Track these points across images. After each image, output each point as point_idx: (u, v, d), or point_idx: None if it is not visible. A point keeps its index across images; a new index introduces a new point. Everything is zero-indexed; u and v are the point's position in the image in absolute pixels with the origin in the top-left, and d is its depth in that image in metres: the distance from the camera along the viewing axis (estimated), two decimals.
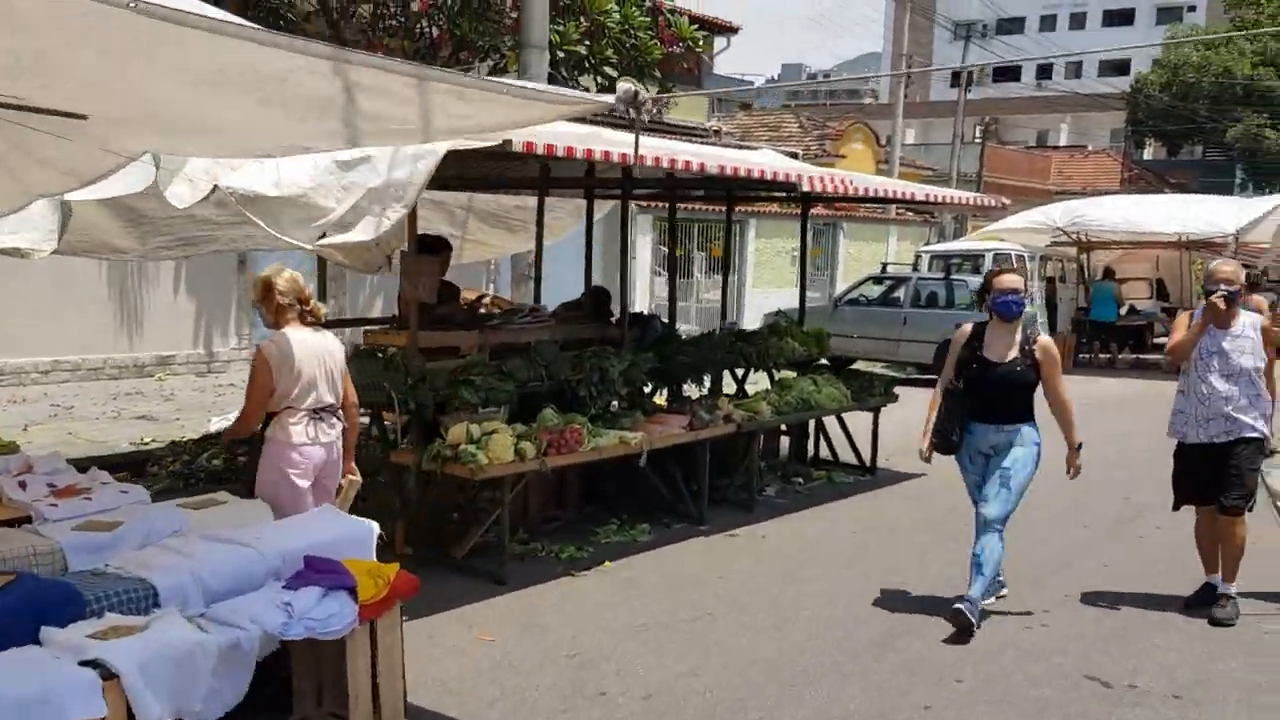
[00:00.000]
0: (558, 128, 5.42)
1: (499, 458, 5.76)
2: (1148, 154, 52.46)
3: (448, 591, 5.87)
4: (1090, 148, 50.95)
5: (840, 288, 20.03)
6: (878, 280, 16.94)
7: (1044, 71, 61.82)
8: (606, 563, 6.43)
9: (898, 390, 9.32)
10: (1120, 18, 61.61)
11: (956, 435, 5.51)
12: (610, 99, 3.18)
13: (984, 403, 5.46)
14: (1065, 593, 6.13)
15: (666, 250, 19.75)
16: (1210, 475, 5.69)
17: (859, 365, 15.52)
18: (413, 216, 5.99)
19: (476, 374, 6.17)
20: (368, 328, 7.22)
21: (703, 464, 7.27)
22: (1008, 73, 62.28)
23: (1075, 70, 62.66)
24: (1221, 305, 5.54)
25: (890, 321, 15.60)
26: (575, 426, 6.24)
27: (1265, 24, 41.22)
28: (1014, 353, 5.44)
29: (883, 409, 9.18)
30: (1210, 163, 47.64)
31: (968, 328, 5.62)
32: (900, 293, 15.95)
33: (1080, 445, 5.60)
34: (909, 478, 8.98)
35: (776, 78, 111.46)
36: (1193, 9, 57.72)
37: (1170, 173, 47.05)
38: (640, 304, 17.73)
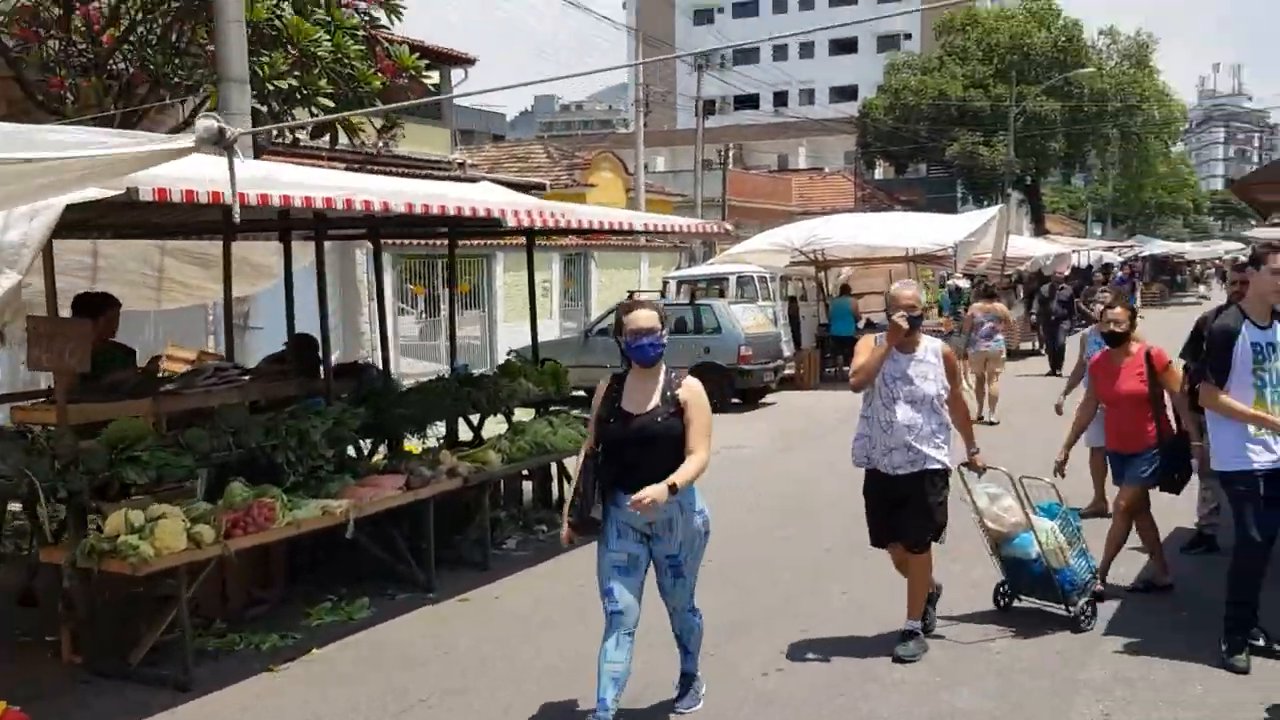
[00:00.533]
0: (203, 169, 4.75)
1: (168, 547, 5.00)
2: (879, 174, 55.65)
3: (123, 706, 5.07)
4: (827, 170, 53.52)
5: (595, 317, 19.78)
6: None
7: (781, 99, 64.54)
8: (314, 649, 5.74)
9: None
10: (844, 46, 65.27)
11: (597, 510, 4.47)
12: (189, 141, 2.63)
13: (627, 466, 4.45)
14: (803, 629, 5.92)
15: (412, 289, 18.99)
16: (897, 508, 5.43)
17: None
18: (51, 276, 5.18)
19: (143, 449, 5.38)
20: (16, 404, 6.24)
21: (427, 525, 6.69)
22: (748, 101, 64.80)
23: (809, 97, 65.98)
24: (904, 325, 5.30)
25: None
26: (266, 501, 5.54)
27: (972, 49, 44.71)
28: (655, 400, 4.52)
29: None
30: (935, 179, 50.99)
31: (603, 384, 4.69)
32: None
33: (675, 487, 4.31)
34: None
35: (530, 109, 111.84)
36: (909, 37, 61.76)
37: (900, 191, 50.05)
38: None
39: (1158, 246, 48.20)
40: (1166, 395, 6.24)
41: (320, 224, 6.82)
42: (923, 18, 59.62)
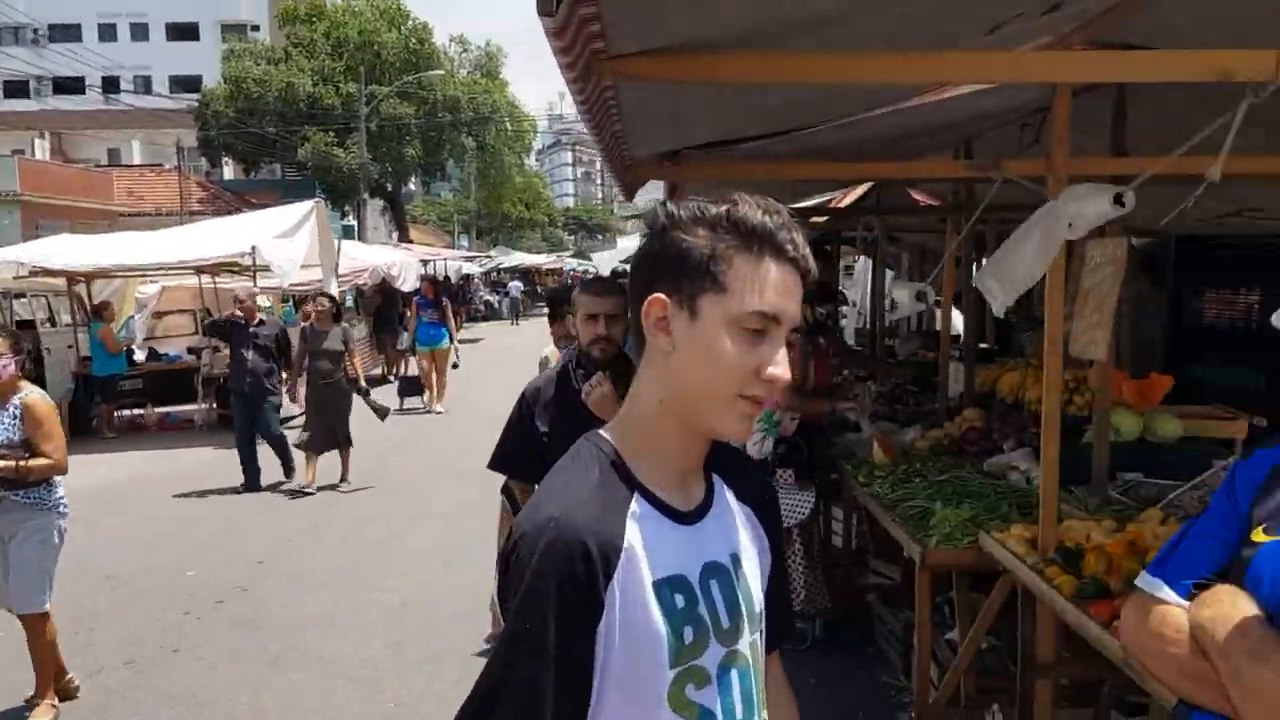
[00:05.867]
0: None
1: None
2: (229, 173, 50.01)
3: None
4: (167, 166, 46.86)
5: None
6: None
7: (112, 84, 55.92)
8: None
9: None
10: (184, 32, 58.33)
11: None
12: None
13: None
14: None
15: None
16: None
17: None
18: None
19: None
20: None
21: None
22: (71, 85, 55.36)
23: (146, 84, 57.95)
24: None
25: None
26: None
27: (320, 43, 41.05)
28: None
29: None
30: (291, 182, 46.61)
31: None
32: None
33: None
34: None
35: None
36: (256, 28, 56.65)
37: (252, 192, 44.92)
38: None
39: (518, 258, 48.70)
40: None
41: None
42: (269, 9, 54.93)
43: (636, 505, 1.44)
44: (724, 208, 1.41)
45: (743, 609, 1.52)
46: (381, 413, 10.68)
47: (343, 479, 10.37)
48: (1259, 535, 1.58)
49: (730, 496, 1.60)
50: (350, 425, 10.49)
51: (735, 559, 1.54)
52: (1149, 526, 3.93)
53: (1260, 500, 1.61)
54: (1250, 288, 7.70)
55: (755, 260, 1.39)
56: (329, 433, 10.35)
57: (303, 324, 11.31)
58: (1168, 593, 1.64)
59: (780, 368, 1.40)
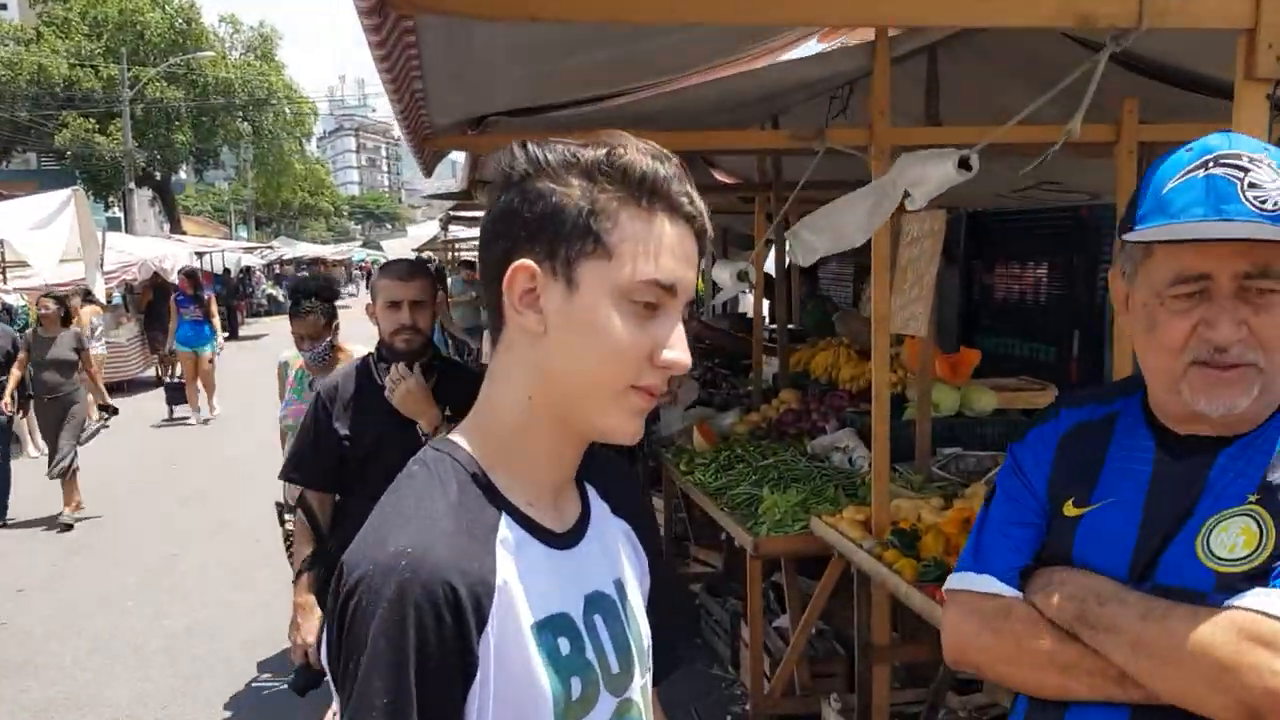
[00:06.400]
0: None
1: None
2: None
3: None
4: None
5: None
6: None
7: None
8: None
9: None
10: None
11: None
12: None
13: None
14: None
15: None
16: None
17: None
18: None
19: None
20: None
21: None
22: None
23: None
24: None
25: None
26: None
27: (76, 22, 38.07)
28: None
29: None
30: (49, 171, 43.06)
31: None
32: None
33: None
34: None
35: None
36: (3, 6, 52.21)
37: (4, 184, 41.17)
38: None
39: (303, 249, 46.73)
40: None
41: None
42: None
43: (507, 529, 1.13)
44: (602, 150, 1.11)
45: (632, 648, 1.23)
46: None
47: (72, 507, 8.89)
48: (1071, 510, 1.48)
49: (606, 510, 1.30)
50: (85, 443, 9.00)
51: (620, 586, 1.26)
52: (976, 502, 3.89)
53: (1057, 476, 1.52)
54: (1038, 261, 7.97)
55: (646, 217, 1.10)
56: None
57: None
58: (1000, 586, 1.49)
59: (678, 350, 1.11)
